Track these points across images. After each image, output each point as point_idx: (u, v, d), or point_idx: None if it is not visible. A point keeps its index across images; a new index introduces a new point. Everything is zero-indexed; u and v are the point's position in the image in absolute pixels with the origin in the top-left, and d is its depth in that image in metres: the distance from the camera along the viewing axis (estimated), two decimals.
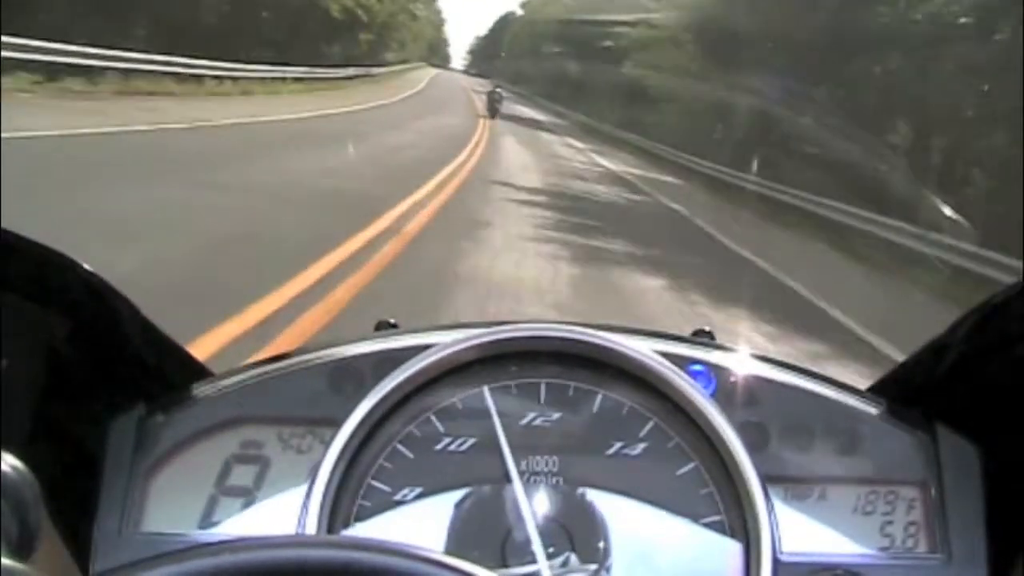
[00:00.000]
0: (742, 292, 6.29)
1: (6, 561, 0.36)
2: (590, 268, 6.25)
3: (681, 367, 0.72)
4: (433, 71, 66.50)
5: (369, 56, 35.67)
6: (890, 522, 0.70)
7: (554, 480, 0.69)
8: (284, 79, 21.64)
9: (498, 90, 28.07)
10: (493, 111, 25.71)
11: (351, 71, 30.06)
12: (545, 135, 24.75)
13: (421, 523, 0.67)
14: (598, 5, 37.20)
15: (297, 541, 0.42)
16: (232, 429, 0.73)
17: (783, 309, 5.72)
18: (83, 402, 0.71)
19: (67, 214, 4.61)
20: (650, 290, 5.83)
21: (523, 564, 0.64)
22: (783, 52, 14.47)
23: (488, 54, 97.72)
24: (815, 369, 0.78)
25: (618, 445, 0.70)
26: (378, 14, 32.54)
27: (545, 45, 46.33)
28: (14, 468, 0.45)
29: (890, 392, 0.75)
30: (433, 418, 0.71)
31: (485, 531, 0.66)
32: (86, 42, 12.11)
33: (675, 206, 11.71)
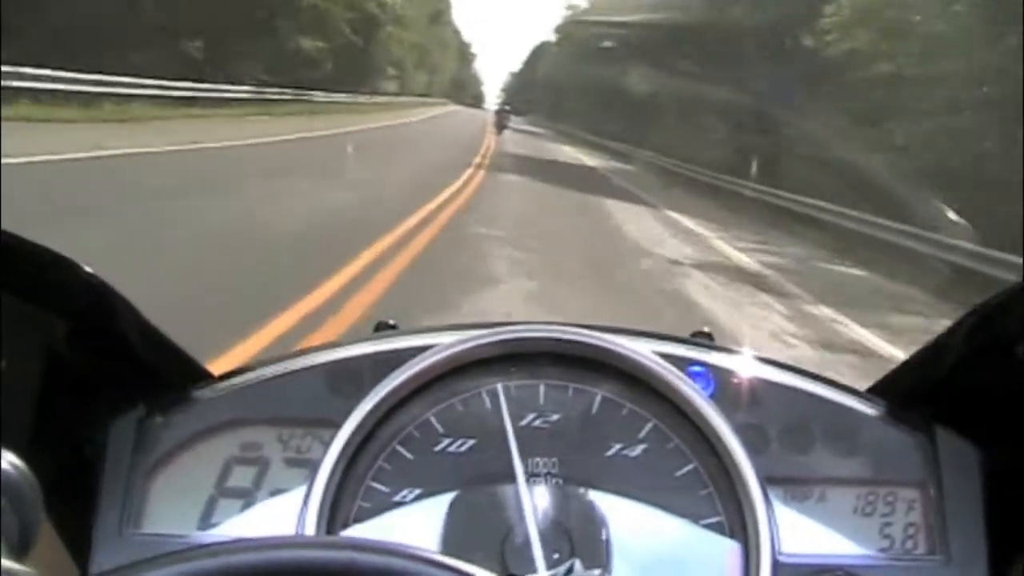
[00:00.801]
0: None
1: (6, 562, 0.36)
2: None
3: (680, 368, 0.72)
4: (452, 107, 56.33)
5: (347, 81, 27.10)
6: (889, 523, 0.70)
7: (553, 481, 0.69)
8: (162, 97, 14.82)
9: (507, 108, 30.54)
10: (501, 127, 26.98)
11: (256, 92, 20.30)
12: (617, 212, 10.77)
13: (420, 524, 0.67)
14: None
15: (297, 542, 0.42)
16: (232, 430, 0.73)
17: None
18: (82, 403, 0.71)
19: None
20: None
21: (520, 561, 0.64)
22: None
23: (523, 89, 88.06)
24: (814, 370, 0.78)
25: (617, 446, 0.70)
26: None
27: (594, 61, 32.53)
28: (13, 465, 0.45)
29: (889, 393, 0.75)
30: (432, 419, 0.71)
31: (484, 532, 0.66)
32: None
33: None
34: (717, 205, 12.31)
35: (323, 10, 24.28)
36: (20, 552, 0.43)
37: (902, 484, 0.71)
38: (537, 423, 0.71)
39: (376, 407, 0.69)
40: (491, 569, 0.38)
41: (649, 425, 0.70)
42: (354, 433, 0.68)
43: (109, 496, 0.70)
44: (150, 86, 15.20)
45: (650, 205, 11.12)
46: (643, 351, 0.72)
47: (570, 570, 0.64)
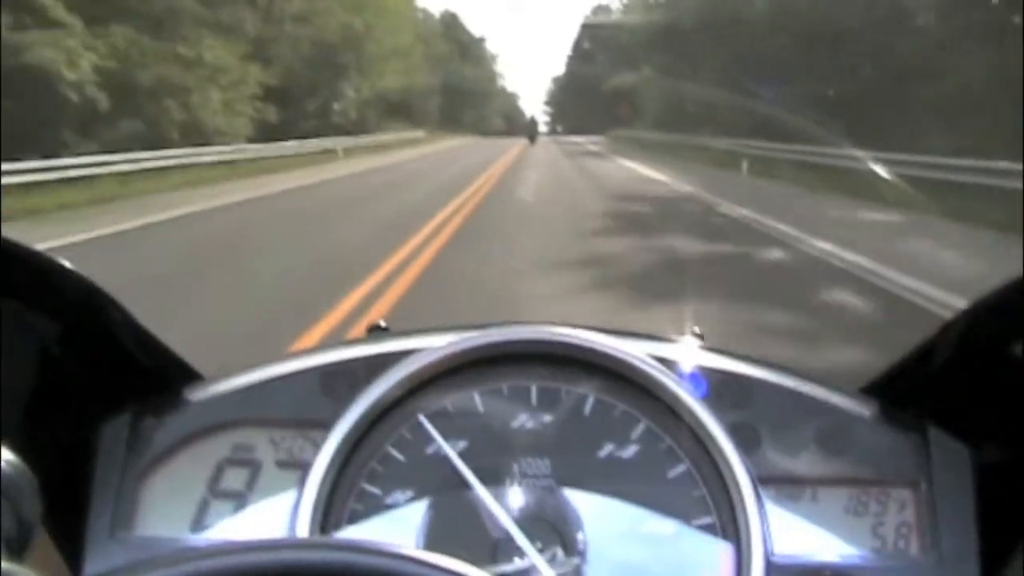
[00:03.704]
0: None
1: (6, 563, 0.36)
2: None
3: (672, 369, 0.72)
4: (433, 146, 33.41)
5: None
6: (882, 523, 0.70)
7: (546, 482, 0.69)
8: None
9: (534, 117, 32.52)
10: (532, 137, 27.42)
11: None
12: None
13: (413, 526, 0.67)
14: None
15: (292, 544, 0.42)
16: (224, 432, 0.73)
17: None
18: (75, 405, 0.71)
19: None
20: None
21: (511, 562, 0.64)
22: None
23: (569, 96, 62.09)
24: (807, 369, 0.78)
25: (610, 447, 0.70)
26: None
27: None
28: (9, 463, 0.45)
29: (882, 393, 0.75)
30: (424, 421, 0.71)
31: (477, 534, 0.66)
32: None
33: None
34: None
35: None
36: (19, 549, 0.43)
37: (894, 484, 0.71)
38: (529, 424, 0.71)
39: (368, 409, 0.69)
40: (483, 569, 0.38)
41: (641, 426, 0.70)
42: (346, 435, 0.68)
43: (101, 498, 0.70)
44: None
45: None
46: (635, 352, 0.72)
47: (552, 558, 0.64)
